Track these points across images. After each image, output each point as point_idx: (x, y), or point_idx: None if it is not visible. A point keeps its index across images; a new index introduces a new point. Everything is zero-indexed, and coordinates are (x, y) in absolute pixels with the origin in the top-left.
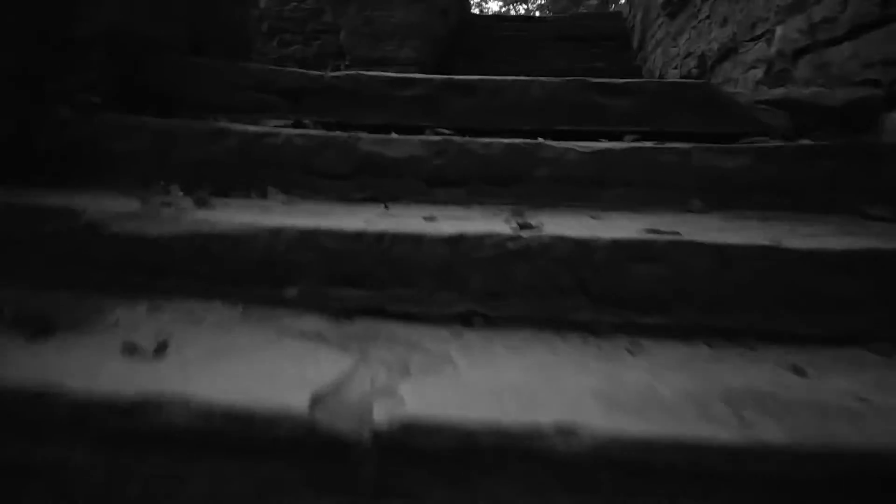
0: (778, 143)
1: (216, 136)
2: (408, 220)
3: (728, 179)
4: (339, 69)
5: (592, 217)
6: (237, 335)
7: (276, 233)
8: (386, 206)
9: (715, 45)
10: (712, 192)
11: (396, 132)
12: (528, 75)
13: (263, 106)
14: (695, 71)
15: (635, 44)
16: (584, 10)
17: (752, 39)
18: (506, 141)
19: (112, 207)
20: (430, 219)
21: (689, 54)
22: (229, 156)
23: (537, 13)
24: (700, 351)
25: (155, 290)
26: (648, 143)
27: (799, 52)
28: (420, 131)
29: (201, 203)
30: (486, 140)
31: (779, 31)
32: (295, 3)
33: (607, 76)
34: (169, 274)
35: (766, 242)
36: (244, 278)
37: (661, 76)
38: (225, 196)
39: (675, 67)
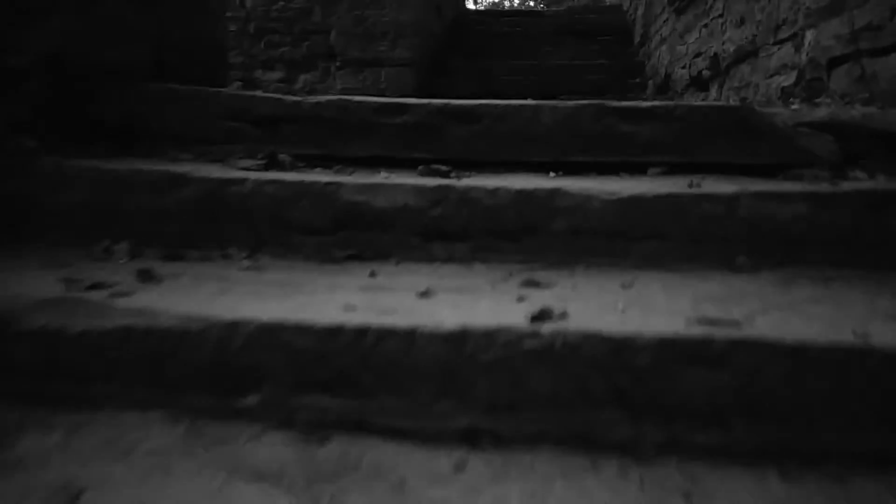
0: (827, 182)
1: (173, 184)
2: (398, 295)
3: (780, 231)
4: (328, 71)
5: (623, 286)
6: (174, 477)
7: (231, 327)
8: (372, 274)
9: (730, 47)
10: (762, 247)
11: (387, 166)
12: (528, 74)
13: (235, 136)
14: (706, 72)
15: (637, 38)
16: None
17: (776, 43)
18: (516, 187)
19: (30, 290)
20: (426, 294)
21: (699, 54)
22: (188, 208)
23: (531, 2)
24: (771, 486)
25: (79, 403)
26: (680, 182)
27: (835, 62)
28: (414, 164)
29: (146, 277)
30: (492, 186)
31: (809, 35)
32: (283, 3)
33: (610, 73)
34: (97, 380)
35: (850, 339)
36: (191, 385)
37: (667, 74)
38: (180, 259)
39: (684, 67)
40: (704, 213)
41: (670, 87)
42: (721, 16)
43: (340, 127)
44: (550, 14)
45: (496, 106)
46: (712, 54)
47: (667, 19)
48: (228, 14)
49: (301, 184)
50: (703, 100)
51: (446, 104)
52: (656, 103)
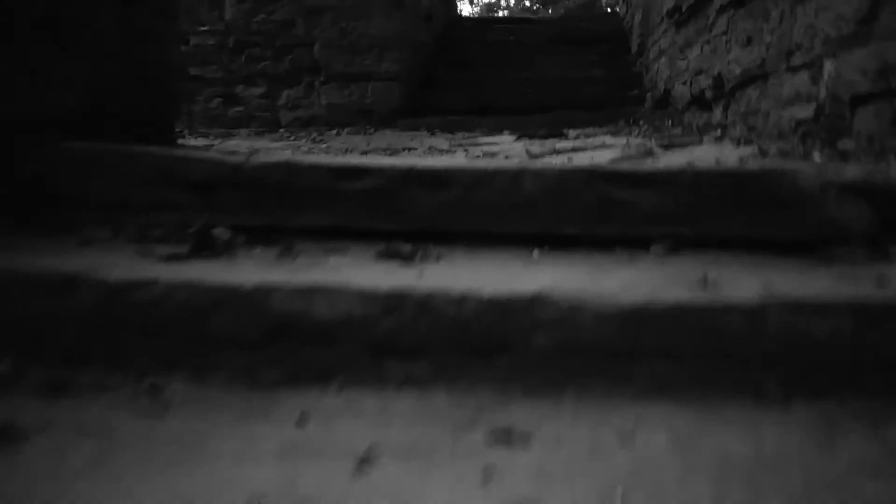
0: (864, 264)
1: (63, 290)
2: (327, 466)
3: (818, 352)
4: (312, 85)
5: (619, 433)
6: None
7: None
8: (302, 419)
9: (736, 68)
10: (795, 370)
11: (344, 238)
12: (521, 85)
13: (165, 205)
14: (710, 93)
15: (634, 47)
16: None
17: (790, 69)
18: (486, 294)
19: None
20: (364, 463)
21: (701, 71)
22: (82, 319)
23: (527, 2)
24: None
25: None
26: (691, 268)
27: (861, 99)
28: (377, 237)
29: (5, 437)
30: (459, 291)
31: (829, 66)
32: (263, 16)
33: (606, 84)
34: None
35: None
36: None
37: (666, 90)
38: (62, 392)
39: (685, 83)
40: (724, 329)
41: (670, 103)
42: (725, 33)
43: (289, 193)
44: (545, 21)
45: (471, 171)
46: (716, 74)
47: (665, 31)
48: (206, 28)
49: (223, 289)
50: (706, 121)
51: (412, 168)
52: (659, 168)
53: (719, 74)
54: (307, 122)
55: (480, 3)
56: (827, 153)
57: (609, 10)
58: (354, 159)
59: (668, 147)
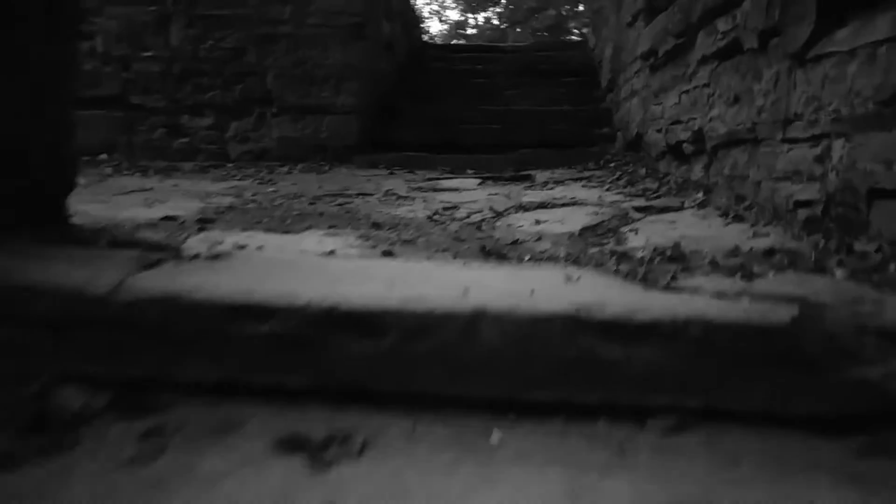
0: None
1: None
2: None
3: None
4: (264, 117)
5: None
6: None
7: None
8: None
9: (720, 126)
10: None
11: (238, 399)
12: (488, 120)
13: (4, 348)
14: (688, 147)
15: (604, 82)
16: (542, 31)
17: (787, 141)
18: None
19: None
20: None
21: (678, 121)
22: None
23: (495, 20)
24: None
25: None
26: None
27: (881, 194)
28: (287, 396)
29: None
30: None
31: (839, 147)
32: (212, 42)
33: (575, 121)
34: None
35: None
36: None
37: (639, 134)
38: None
39: (659, 130)
40: None
41: (643, 147)
42: (707, 86)
43: (170, 336)
44: (512, 50)
45: (412, 314)
46: (696, 128)
47: (639, 71)
48: (150, 53)
49: None
50: (684, 177)
51: (335, 307)
52: (659, 318)
53: (700, 130)
54: (258, 155)
55: (449, 21)
56: (848, 263)
57: (577, 32)
58: (259, 292)
59: (645, 210)
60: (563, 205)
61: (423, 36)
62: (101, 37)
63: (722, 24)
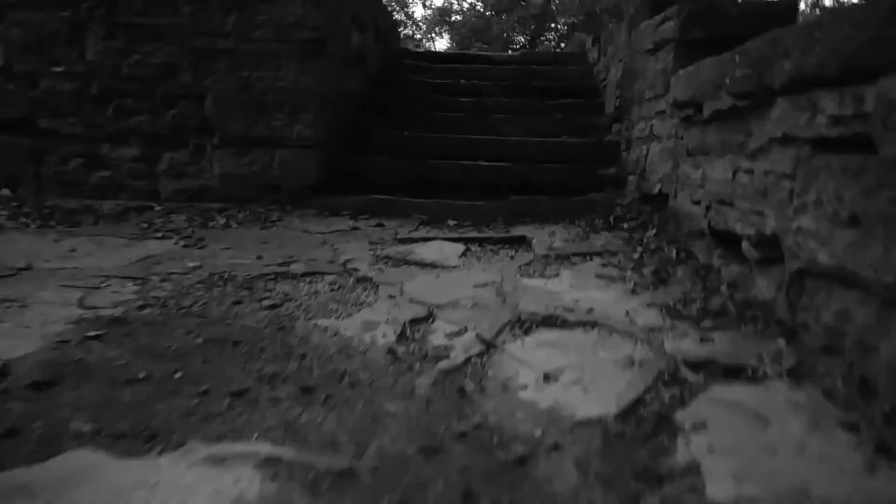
0: None
1: None
2: None
3: None
4: (203, 149)
5: None
6: None
7: None
8: None
9: (819, 251)
10: None
11: None
12: (473, 152)
13: None
14: (753, 252)
15: (609, 107)
16: (529, 20)
17: None
18: None
19: None
20: None
21: (729, 203)
22: None
23: (480, 6)
24: None
25: None
26: None
27: None
28: None
29: None
30: None
31: None
32: (138, 57)
33: (575, 155)
34: None
35: None
36: None
37: (661, 193)
38: None
39: (697, 202)
40: None
41: (669, 213)
42: (789, 177)
43: None
44: (501, 61)
45: None
46: (768, 232)
47: (663, 113)
48: (62, 69)
49: None
50: (744, 295)
51: None
52: None
53: (774, 236)
54: (195, 195)
55: (433, 7)
56: None
57: (563, 24)
58: None
59: (704, 367)
60: (578, 323)
61: (399, 40)
62: (2, 47)
63: (830, 104)
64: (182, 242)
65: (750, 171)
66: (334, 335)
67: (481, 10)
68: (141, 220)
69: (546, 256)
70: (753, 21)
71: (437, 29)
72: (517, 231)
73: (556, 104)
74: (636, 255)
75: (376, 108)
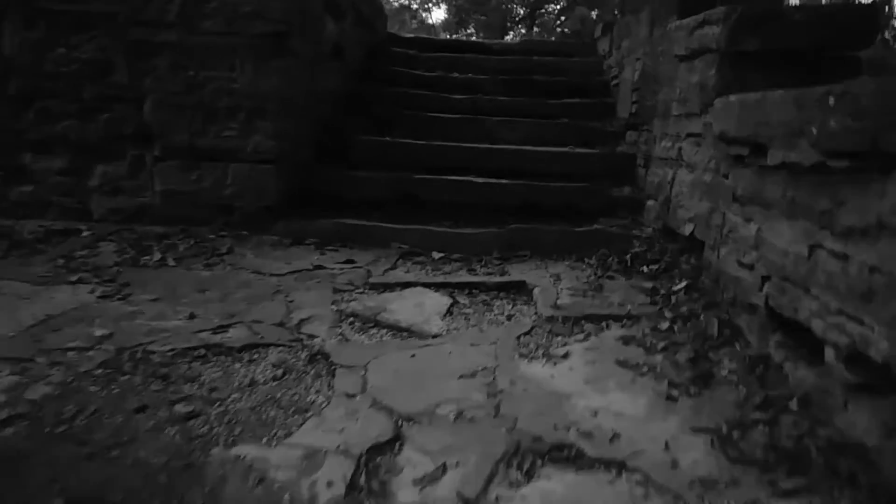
0: None
1: None
2: None
3: None
4: (143, 162)
5: None
6: None
7: None
8: None
9: None
10: None
11: None
12: (466, 165)
13: None
14: (848, 374)
15: (623, 111)
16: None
17: None
18: None
19: None
20: None
21: (803, 287)
22: None
23: None
24: None
25: None
26: None
27: None
28: None
29: None
30: None
31: None
32: (63, 51)
33: (585, 170)
34: None
35: None
36: None
37: (695, 240)
38: None
39: (751, 268)
40: None
41: (703, 261)
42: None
43: None
44: (499, 50)
45: None
46: (875, 356)
47: (698, 136)
48: None
49: None
50: (827, 431)
51: None
52: None
53: (886, 365)
54: (132, 215)
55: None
56: None
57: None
58: None
59: None
60: (598, 461)
61: (386, 23)
62: None
63: None
64: (100, 291)
65: (841, 257)
66: (259, 483)
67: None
68: (61, 252)
69: (551, 319)
70: (825, 33)
71: (425, 37)
72: (515, 272)
73: (560, 104)
74: (665, 324)
75: (357, 106)
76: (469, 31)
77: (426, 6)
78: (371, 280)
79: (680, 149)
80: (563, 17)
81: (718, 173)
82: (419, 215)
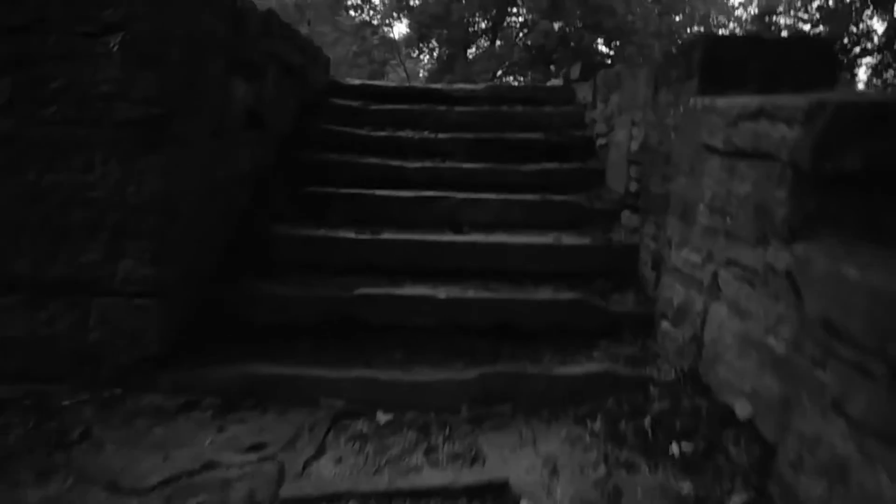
0: None
1: None
2: None
3: None
4: None
5: None
6: None
7: None
8: None
9: None
10: None
11: None
12: (424, 264)
13: None
14: None
15: (616, 184)
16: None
17: None
18: None
19: None
20: None
21: None
22: None
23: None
24: None
25: None
26: None
27: None
28: None
29: None
30: None
31: None
32: None
33: (573, 268)
34: None
35: None
36: None
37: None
38: None
39: None
40: None
41: (771, 471)
42: None
43: None
44: (462, 98)
45: None
46: None
47: (752, 271)
48: None
49: None
50: None
51: None
52: None
53: None
54: None
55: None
56: None
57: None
58: None
59: None
60: None
61: (327, 70)
62: None
63: None
64: None
65: None
66: None
67: None
68: None
69: None
70: None
71: (394, 14)
72: (493, 454)
73: (537, 172)
74: None
75: (283, 185)
76: (431, 45)
77: (387, 22)
78: (283, 492)
79: (716, 275)
80: (525, 31)
81: (802, 353)
82: (361, 347)
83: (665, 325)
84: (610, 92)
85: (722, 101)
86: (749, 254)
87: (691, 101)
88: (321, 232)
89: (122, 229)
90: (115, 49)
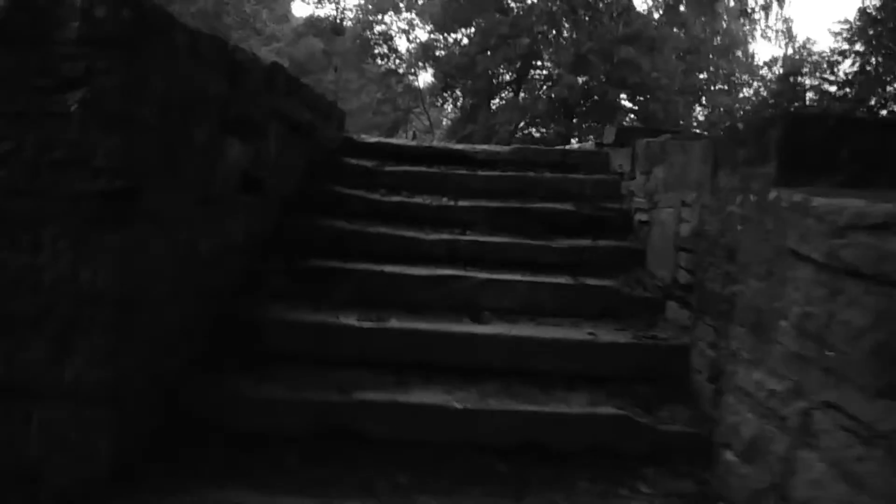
0: None
1: None
2: None
3: None
4: None
5: None
6: None
7: None
8: None
9: None
10: None
11: None
12: (437, 391)
13: None
14: None
15: (660, 268)
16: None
17: None
18: None
19: None
20: None
21: None
22: None
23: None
24: None
25: None
26: None
27: None
28: None
29: None
30: None
31: None
32: None
33: (622, 387)
34: None
35: None
36: None
37: None
38: None
39: None
40: None
41: None
42: None
43: None
44: (485, 160)
45: None
46: None
47: (855, 422)
48: None
49: None
50: None
51: None
52: None
53: None
54: None
55: (417, 41)
56: None
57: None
58: None
59: None
60: None
61: (341, 125)
62: None
63: None
64: None
65: None
66: None
67: (465, 43)
68: None
69: None
70: None
71: (420, 63)
72: None
73: (569, 249)
74: None
75: (283, 257)
76: (455, 94)
77: (413, 70)
78: None
79: (807, 414)
80: (550, 83)
81: None
82: (357, 465)
83: (729, 456)
84: (653, 165)
85: (821, 203)
86: (865, 406)
87: (771, 193)
88: (320, 317)
89: (73, 322)
90: (74, 108)
